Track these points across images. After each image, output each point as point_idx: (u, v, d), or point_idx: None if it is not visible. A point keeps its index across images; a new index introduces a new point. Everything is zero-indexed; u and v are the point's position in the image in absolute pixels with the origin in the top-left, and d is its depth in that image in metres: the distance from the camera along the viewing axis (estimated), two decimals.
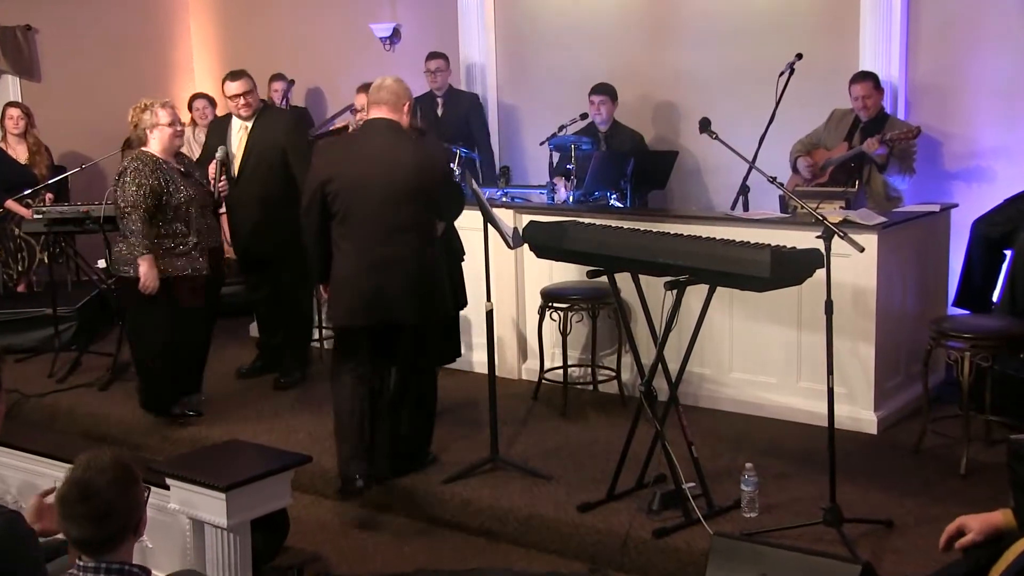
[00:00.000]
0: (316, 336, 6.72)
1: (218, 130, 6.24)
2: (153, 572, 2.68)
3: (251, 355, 6.62)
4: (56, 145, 8.33)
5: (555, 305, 5.65)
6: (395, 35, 8.53)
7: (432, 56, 7.62)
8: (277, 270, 6.15)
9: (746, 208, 6.24)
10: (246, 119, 6.08)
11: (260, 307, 6.53)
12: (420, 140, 4.74)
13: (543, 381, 5.85)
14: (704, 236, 4.30)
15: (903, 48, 6.44)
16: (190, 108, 8.46)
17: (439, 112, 7.56)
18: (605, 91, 7.00)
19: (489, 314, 4.75)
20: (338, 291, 4.62)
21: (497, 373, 4.98)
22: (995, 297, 5.70)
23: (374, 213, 4.49)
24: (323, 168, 4.58)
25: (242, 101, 6.03)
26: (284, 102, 8.10)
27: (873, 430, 5.14)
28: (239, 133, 6.11)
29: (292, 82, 8.36)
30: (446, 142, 6.06)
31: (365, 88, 5.53)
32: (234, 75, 6.08)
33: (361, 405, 4.68)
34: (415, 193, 4.50)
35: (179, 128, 5.47)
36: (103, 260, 6.55)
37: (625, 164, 6.38)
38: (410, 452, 4.88)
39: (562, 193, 6.27)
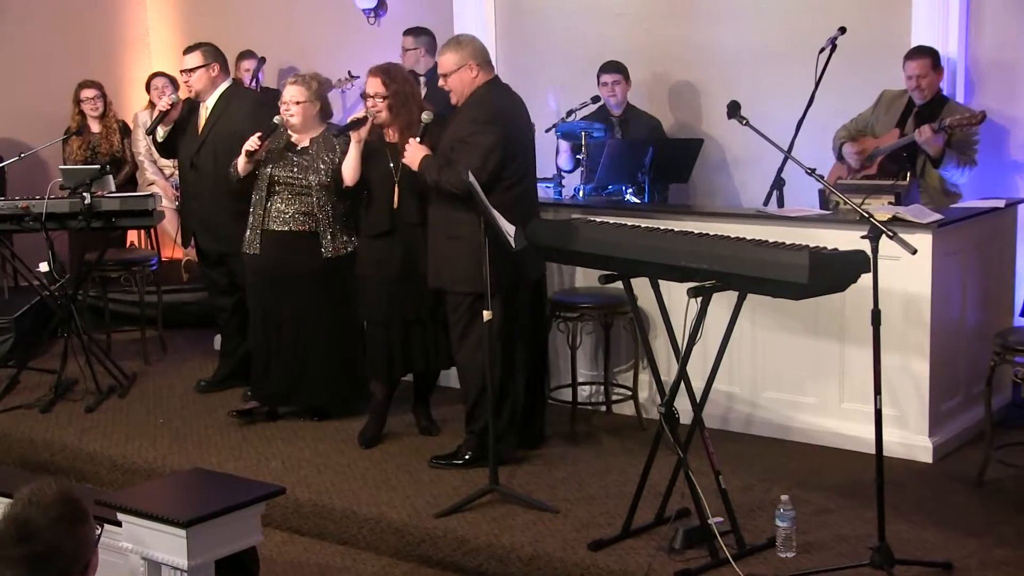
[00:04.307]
0: None
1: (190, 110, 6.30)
2: None
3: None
4: None
5: (563, 314, 5.65)
6: (380, 7, 8.54)
7: (412, 30, 7.59)
8: (235, 269, 6.13)
9: (781, 204, 6.25)
10: (200, 100, 6.19)
11: (223, 313, 6.48)
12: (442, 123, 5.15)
13: (549, 401, 5.86)
14: (733, 236, 4.30)
15: (963, 19, 6.42)
16: (148, 89, 8.51)
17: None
18: (618, 69, 7.02)
19: (488, 324, 4.76)
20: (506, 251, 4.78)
21: None
22: None
23: (533, 171, 5.25)
24: (502, 132, 4.98)
25: (183, 79, 6.20)
26: (254, 83, 8.11)
27: (928, 458, 5.14)
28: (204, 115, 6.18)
29: (263, 60, 8.38)
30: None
31: (379, 71, 5.38)
32: (187, 49, 6.21)
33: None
34: None
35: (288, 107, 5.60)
36: (45, 263, 6.54)
37: (643, 154, 6.39)
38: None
39: (565, 160, 6.19)
